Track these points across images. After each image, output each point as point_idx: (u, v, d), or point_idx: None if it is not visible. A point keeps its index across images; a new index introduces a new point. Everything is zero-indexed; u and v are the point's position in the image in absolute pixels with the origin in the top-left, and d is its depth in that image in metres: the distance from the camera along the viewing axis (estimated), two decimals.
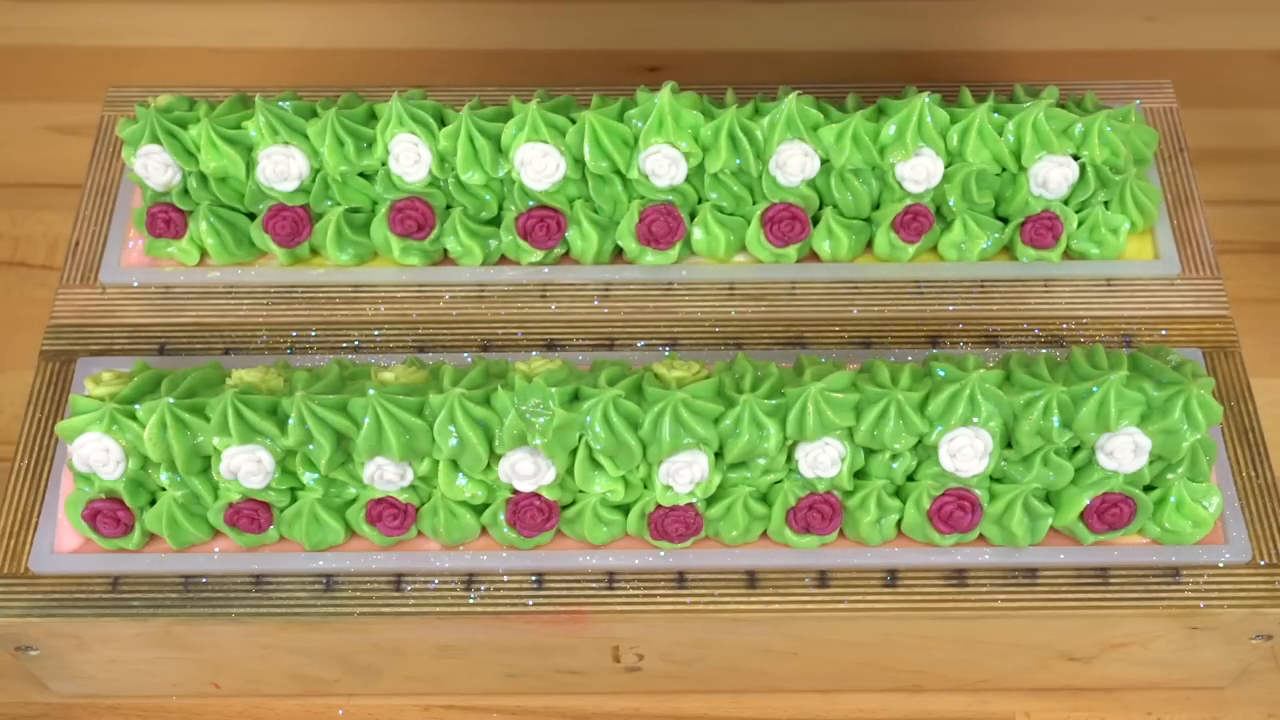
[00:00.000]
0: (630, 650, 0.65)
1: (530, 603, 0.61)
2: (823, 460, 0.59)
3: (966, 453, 0.59)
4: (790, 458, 0.60)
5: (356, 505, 0.61)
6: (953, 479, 0.60)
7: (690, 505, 0.61)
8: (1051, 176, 0.66)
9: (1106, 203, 0.68)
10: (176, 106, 0.67)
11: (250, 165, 0.66)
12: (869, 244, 0.69)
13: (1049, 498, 0.62)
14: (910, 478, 0.61)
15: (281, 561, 0.62)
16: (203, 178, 0.67)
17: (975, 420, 0.59)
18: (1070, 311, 0.68)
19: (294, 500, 0.61)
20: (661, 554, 0.62)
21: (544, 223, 0.67)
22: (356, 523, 0.62)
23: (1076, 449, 0.60)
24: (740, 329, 0.68)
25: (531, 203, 0.67)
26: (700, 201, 0.68)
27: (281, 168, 0.66)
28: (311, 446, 0.58)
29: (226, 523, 0.61)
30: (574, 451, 0.59)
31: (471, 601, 0.61)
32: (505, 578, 0.62)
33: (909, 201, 0.67)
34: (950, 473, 0.60)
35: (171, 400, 0.58)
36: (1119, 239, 0.68)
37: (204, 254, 0.69)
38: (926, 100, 0.65)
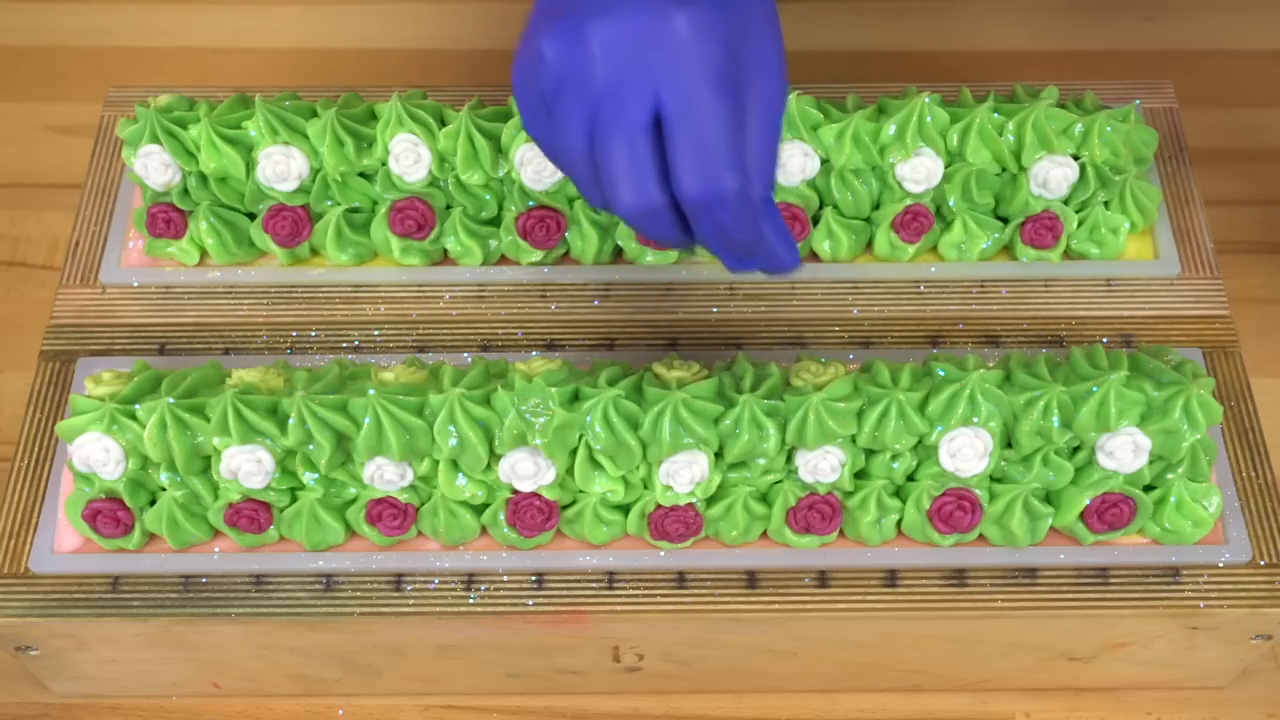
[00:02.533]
0: (630, 650, 0.65)
1: (530, 603, 0.61)
2: (822, 467, 0.59)
3: (966, 452, 0.59)
4: (790, 458, 0.60)
5: (356, 505, 0.61)
6: (953, 479, 0.60)
7: (690, 505, 0.61)
8: (1051, 176, 0.66)
9: (1106, 203, 0.68)
10: (176, 106, 0.67)
11: (250, 165, 0.66)
12: (869, 244, 0.69)
13: (1049, 498, 0.62)
14: (910, 478, 0.61)
15: (281, 561, 0.62)
16: (203, 178, 0.67)
17: (975, 420, 0.59)
18: (1070, 311, 0.68)
19: (294, 500, 0.61)
20: (661, 554, 0.62)
21: (544, 223, 0.67)
22: (356, 523, 0.62)
23: (1076, 449, 0.60)
24: (740, 329, 0.68)
25: (531, 203, 0.67)
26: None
27: (281, 168, 0.66)
28: (311, 446, 0.58)
29: (226, 523, 0.61)
30: (574, 451, 0.59)
31: (471, 601, 0.61)
32: (505, 578, 0.62)
33: (909, 201, 0.67)
34: (950, 473, 0.60)
35: (171, 400, 0.58)
36: (1119, 239, 0.68)
37: (204, 254, 0.69)
38: (926, 100, 0.65)
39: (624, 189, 0.50)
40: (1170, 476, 0.61)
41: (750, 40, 0.51)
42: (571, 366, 0.61)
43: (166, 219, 0.68)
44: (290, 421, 0.58)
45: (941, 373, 0.60)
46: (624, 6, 0.49)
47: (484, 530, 0.62)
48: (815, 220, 0.68)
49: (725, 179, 0.49)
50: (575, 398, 0.59)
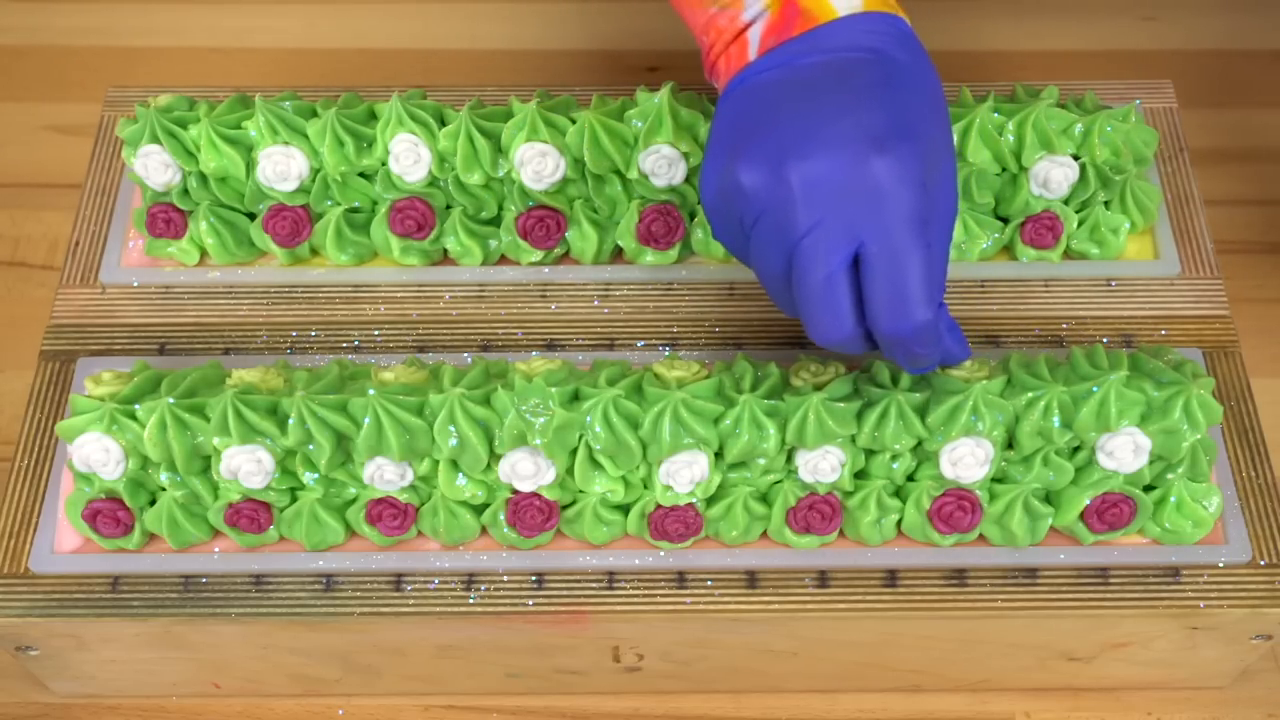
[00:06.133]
0: (630, 650, 0.65)
1: (530, 603, 0.61)
2: (823, 467, 0.59)
3: (968, 460, 0.59)
4: (790, 458, 0.60)
5: (356, 505, 0.61)
6: (953, 482, 0.60)
7: (690, 505, 0.61)
8: (1051, 176, 0.66)
9: (1106, 203, 0.68)
10: (176, 106, 0.67)
11: (250, 165, 0.66)
12: None
13: (1049, 498, 0.62)
14: (910, 478, 0.61)
15: (281, 561, 0.62)
16: (203, 178, 0.67)
17: (978, 430, 0.59)
18: (1070, 311, 0.68)
19: (294, 500, 0.61)
20: (661, 554, 0.62)
21: (544, 223, 0.67)
22: (356, 523, 0.62)
23: (1077, 449, 0.60)
24: (740, 329, 0.68)
25: (531, 203, 0.67)
26: (700, 201, 0.67)
27: (281, 168, 0.66)
28: (311, 446, 0.58)
29: (226, 523, 0.61)
30: (574, 451, 0.59)
31: (471, 601, 0.61)
32: (505, 578, 0.62)
33: None
34: (951, 479, 0.60)
35: (171, 400, 0.58)
36: (1119, 239, 0.68)
37: (204, 254, 0.69)
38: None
39: (821, 322, 0.53)
40: (1170, 476, 0.61)
41: (935, 168, 0.53)
42: (571, 366, 0.61)
43: (166, 219, 0.68)
44: (290, 421, 0.58)
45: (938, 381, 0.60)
46: (824, 148, 0.51)
47: (484, 530, 0.62)
48: None
49: (918, 316, 0.51)
50: (575, 398, 0.59)
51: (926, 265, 0.51)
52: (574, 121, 0.65)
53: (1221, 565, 0.62)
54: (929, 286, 0.51)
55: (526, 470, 0.59)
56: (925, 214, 0.51)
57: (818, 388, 0.59)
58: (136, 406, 0.59)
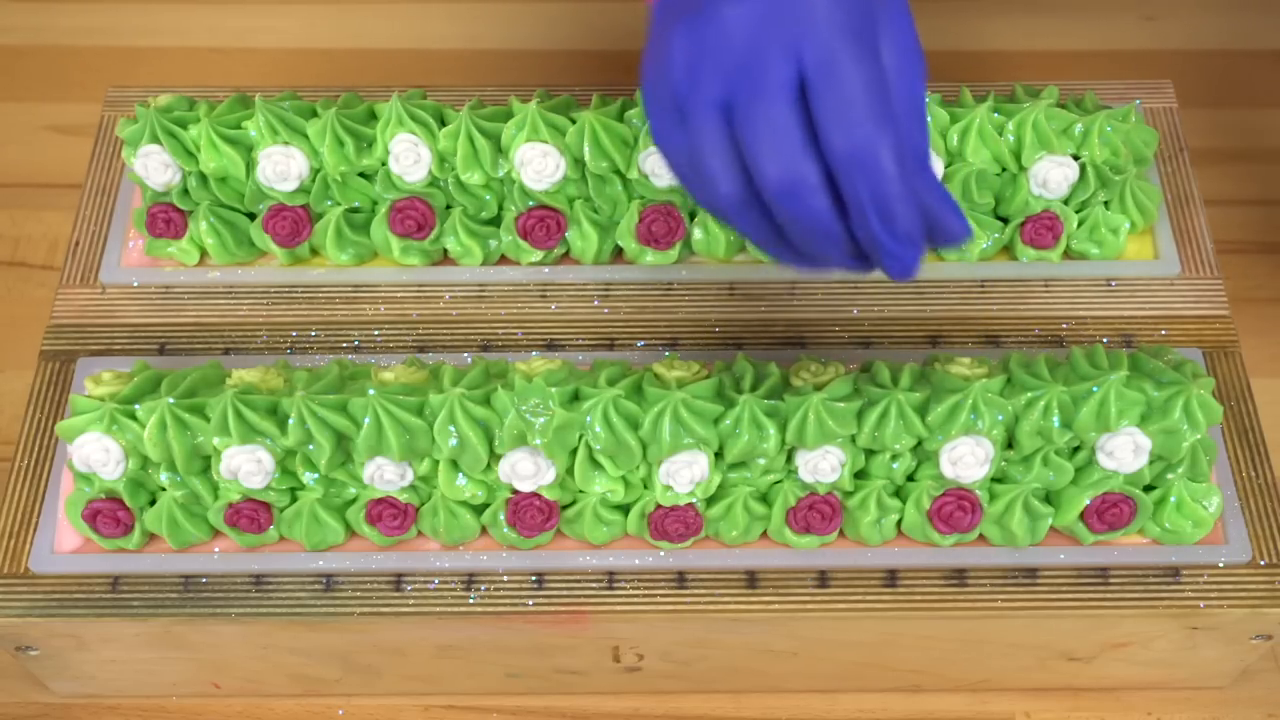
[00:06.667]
0: (630, 650, 0.65)
1: (530, 603, 0.61)
2: (823, 467, 0.59)
3: (968, 460, 0.59)
4: (790, 458, 0.60)
5: (356, 505, 0.61)
6: (953, 482, 0.60)
7: (690, 505, 0.61)
8: (1051, 176, 0.66)
9: (1106, 203, 0.68)
10: (176, 106, 0.67)
11: (250, 165, 0.66)
12: None
13: (1049, 498, 0.62)
14: (910, 478, 0.61)
15: (281, 561, 0.62)
16: (203, 178, 0.67)
17: (978, 429, 0.59)
18: (1070, 311, 0.68)
19: (294, 500, 0.61)
20: (661, 554, 0.62)
21: (544, 223, 0.67)
22: (356, 523, 0.62)
23: (1077, 449, 0.60)
24: (740, 329, 0.68)
25: (531, 203, 0.67)
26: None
27: (281, 168, 0.66)
28: (311, 446, 0.58)
29: (226, 523, 0.61)
30: (574, 451, 0.59)
31: (471, 601, 0.61)
32: (505, 578, 0.62)
33: None
34: (951, 479, 0.60)
35: (171, 400, 0.58)
36: (1119, 239, 0.68)
37: (204, 254, 0.69)
38: (926, 100, 0.65)
39: (770, 157, 0.47)
40: (1170, 476, 0.61)
41: (880, 11, 0.50)
42: (571, 366, 0.61)
43: (166, 219, 0.68)
44: (290, 421, 0.58)
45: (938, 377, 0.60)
46: None
47: (484, 530, 0.62)
48: None
49: (875, 130, 0.47)
50: (575, 398, 0.59)
51: (878, 82, 0.48)
52: (574, 121, 0.65)
53: (1221, 565, 0.62)
54: (884, 104, 0.47)
55: (526, 470, 0.59)
56: (870, 39, 0.48)
57: (818, 388, 0.59)
58: (136, 406, 0.59)
